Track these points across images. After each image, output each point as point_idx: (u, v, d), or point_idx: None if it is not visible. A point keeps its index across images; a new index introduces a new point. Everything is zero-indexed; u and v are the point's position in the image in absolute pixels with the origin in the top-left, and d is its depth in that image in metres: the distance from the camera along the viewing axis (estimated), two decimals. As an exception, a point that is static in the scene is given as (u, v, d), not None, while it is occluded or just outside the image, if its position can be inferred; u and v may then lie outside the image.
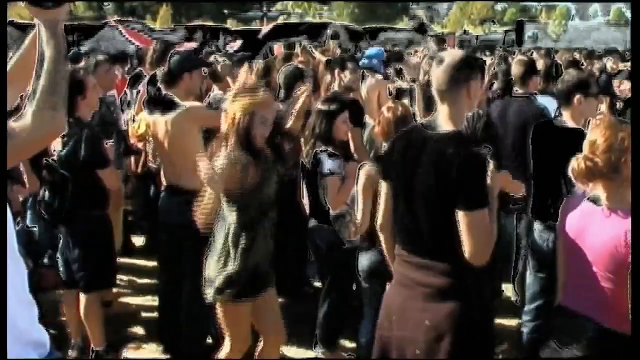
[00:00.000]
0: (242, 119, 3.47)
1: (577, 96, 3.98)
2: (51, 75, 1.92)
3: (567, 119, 4.04)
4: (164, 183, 4.65)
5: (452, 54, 2.83)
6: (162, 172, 4.71)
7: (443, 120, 2.75)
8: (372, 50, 8.45)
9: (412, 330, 2.75)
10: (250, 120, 3.47)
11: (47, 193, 4.43)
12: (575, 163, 2.66)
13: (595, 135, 2.69)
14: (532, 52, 12.56)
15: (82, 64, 5.92)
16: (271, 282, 3.74)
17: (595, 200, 2.68)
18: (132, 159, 6.15)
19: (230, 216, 3.52)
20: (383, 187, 3.06)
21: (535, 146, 4.20)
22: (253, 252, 3.51)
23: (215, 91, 5.04)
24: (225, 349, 3.69)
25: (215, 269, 3.54)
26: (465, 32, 34.64)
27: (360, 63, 6.98)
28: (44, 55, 1.92)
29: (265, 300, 3.70)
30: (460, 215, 2.60)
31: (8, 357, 1.85)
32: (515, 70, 5.45)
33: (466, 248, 2.61)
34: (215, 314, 3.75)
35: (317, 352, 4.59)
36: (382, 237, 3.21)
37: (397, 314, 2.84)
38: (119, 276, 5.70)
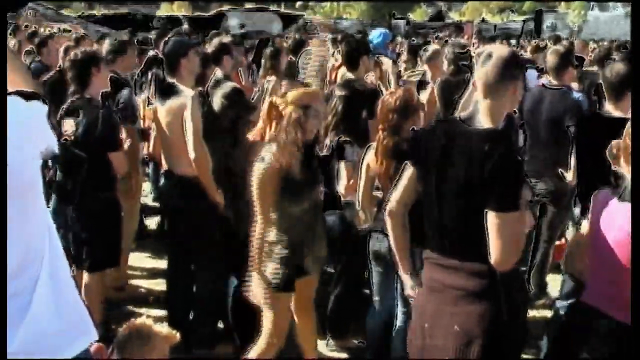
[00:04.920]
0: (295, 114, 3.40)
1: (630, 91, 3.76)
2: None
3: (613, 111, 3.81)
4: (164, 167, 4.69)
5: (500, 49, 2.71)
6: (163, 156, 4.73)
7: (483, 116, 2.63)
8: (375, 34, 8.28)
9: (443, 337, 2.65)
10: (305, 114, 3.42)
11: (59, 174, 4.41)
12: (613, 146, 2.55)
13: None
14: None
15: (105, 44, 5.85)
16: (311, 270, 3.71)
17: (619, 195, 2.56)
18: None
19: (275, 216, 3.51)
20: (407, 172, 2.88)
21: (582, 140, 4.04)
22: (292, 247, 3.52)
23: (218, 73, 4.99)
24: (260, 341, 3.60)
25: (266, 262, 3.55)
26: (483, 20, 34.33)
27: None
28: None
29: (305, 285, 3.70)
30: (490, 217, 2.48)
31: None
32: (550, 60, 5.24)
33: (492, 252, 2.49)
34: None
35: (328, 338, 4.56)
36: (389, 224, 3.01)
37: (430, 322, 2.73)
38: (131, 259, 5.72)
